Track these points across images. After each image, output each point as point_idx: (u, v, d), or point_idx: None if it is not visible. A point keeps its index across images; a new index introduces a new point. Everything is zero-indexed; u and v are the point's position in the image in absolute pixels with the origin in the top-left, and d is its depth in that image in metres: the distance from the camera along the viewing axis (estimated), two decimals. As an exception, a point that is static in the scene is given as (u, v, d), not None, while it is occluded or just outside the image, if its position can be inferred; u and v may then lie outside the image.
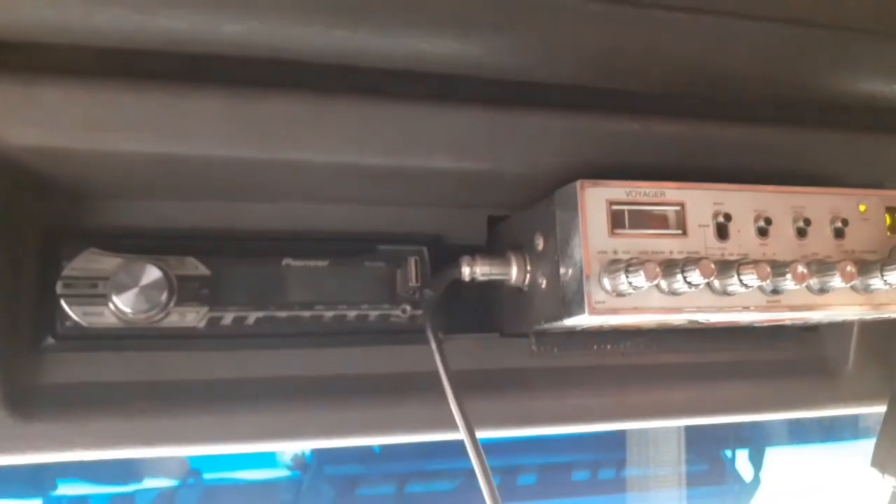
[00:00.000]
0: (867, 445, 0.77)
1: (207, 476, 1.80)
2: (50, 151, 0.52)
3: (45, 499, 1.70)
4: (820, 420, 2.07)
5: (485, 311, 0.72)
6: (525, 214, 0.64)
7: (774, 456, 2.12)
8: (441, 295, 0.65)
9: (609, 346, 0.68)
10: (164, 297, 0.58)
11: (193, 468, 1.79)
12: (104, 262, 0.58)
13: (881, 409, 0.77)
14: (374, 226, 0.67)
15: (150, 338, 0.59)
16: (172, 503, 1.78)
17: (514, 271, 0.63)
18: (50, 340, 0.57)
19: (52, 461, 0.56)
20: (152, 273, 0.58)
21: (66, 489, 1.70)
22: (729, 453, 2.13)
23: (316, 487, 1.83)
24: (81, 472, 1.69)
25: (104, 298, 0.58)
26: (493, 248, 0.69)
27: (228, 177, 0.58)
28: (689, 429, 1.90)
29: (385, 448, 1.83)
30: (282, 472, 1.83)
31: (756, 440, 2.10)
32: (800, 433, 2.13)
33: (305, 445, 0.59)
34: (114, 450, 0.57)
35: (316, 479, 1.83)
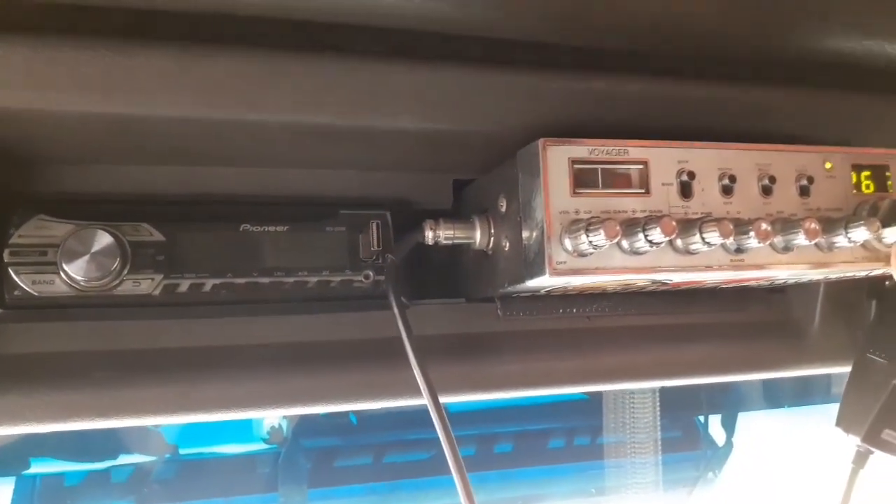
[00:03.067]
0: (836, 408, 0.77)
1: (184, 451, 1.79)
2: None
3: (18, 478, 1.68)
4: (792, 384, 2.09)
5: (451, 277, 0.71)
6: (489, 177, 0.63)
7: (746, 420, 2.15)
8: (404, 260, 0.64)
9: (575, 310, 0.68)
10: (116, 264, 0.56)
11: (170, 443, 1.78)
12: (54, 229, 0.57)
13: (846, 369, 0.78)
14: (336, 190, 0.66)
15: (104, 306, 0.57)
16: (150, 478, 1.77)
17: (478, 235, 0.62)
18: (-2, 310, 0.56)
19: (4, 434, 0.54)
20: (104, 239, 0.56)
21: (39, 468, 1.68)
22: (702, 419, 2.16)
23: (293, 460, 1.82)
24: (55, 450, 1.67)
25: (54, 266, 0.56)
26: (459, 213, 0.68)
27: (181, 139, 0.57)
28: (662, 396, 1.92)
29: (362, 419, 1.83)
30: (259, 446, 1.82)
31: (728, 405, 2.13)
32: (771, 397, 2.16)
33: (265, 414, 0.58)
34: (67, 422, 0.55)
35: (293, 452, 1.83)
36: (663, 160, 0.56)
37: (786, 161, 0.60)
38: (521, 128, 0.59)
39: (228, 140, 0.58)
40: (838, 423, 0.75)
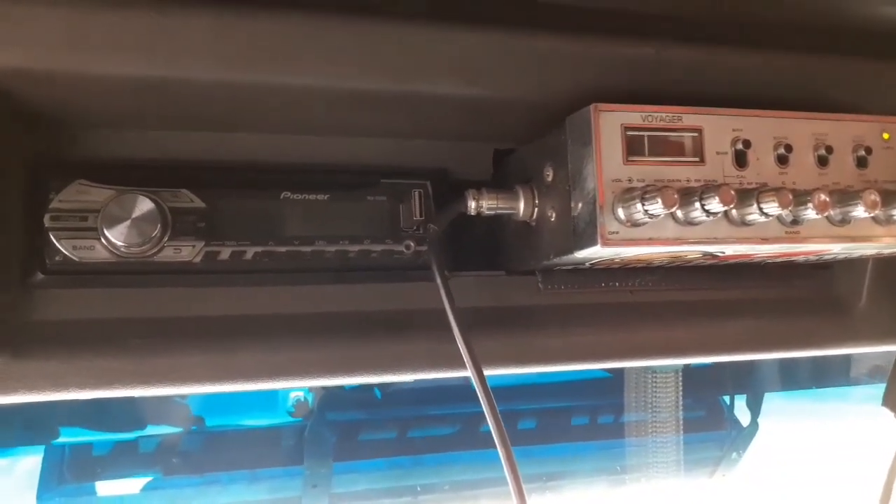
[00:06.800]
0: (862, 391, 0.76)
1: (210, 423, 1.81)
2: (32, 74, 0.49)
3: (48, 447, 1.71)
4: (818, 366, 2.07)
5: (489, 249, 0.70)
6: (534, 146, 0.62)
7: (772, 401, 2.13)
8: (445, 230, 0.62)
9: (617, 284, 0.66)
10: (157, 230, 0.56)
11: (196, 415, 1.80)
12: (94, 194, 0.56)
13: (894, 348, 0.76)
14: (377, 159, 0.65)
15: (144, 273, 0.57)
16: (176, 449, 1.79)
17: (521, 205, 0.61)
18: (39, 276, 0.55)
19: (46, 400, 0.54)
20: (144, 205, 0.56)
21: (68, 437, 1.70)
22: (727, 399, 2.14)
23: (318, 433, 1.84)
24: (83, 420, 1.69)
25: (95, 232, 0.55)
26: (499, 183, 0.67)
27: (222, 104, 0.56)
28: (687, 376, 1.91)
29: (387, 394, 1.83)
30: (284, 419, 1.84)
31: (754, 385, 2.11)
32: (798, 379, 2.13)
33: (306, 384, 0.57)
34: (108, 389, 0.55)
35: (318, 426, 1.84)
36: (718, 128, 0.54)
37: (843, 131, 0.58)
38: (566, 95, 0.57)
39: (269, 105, 0.57)
40: (885, 403, 0.74)
